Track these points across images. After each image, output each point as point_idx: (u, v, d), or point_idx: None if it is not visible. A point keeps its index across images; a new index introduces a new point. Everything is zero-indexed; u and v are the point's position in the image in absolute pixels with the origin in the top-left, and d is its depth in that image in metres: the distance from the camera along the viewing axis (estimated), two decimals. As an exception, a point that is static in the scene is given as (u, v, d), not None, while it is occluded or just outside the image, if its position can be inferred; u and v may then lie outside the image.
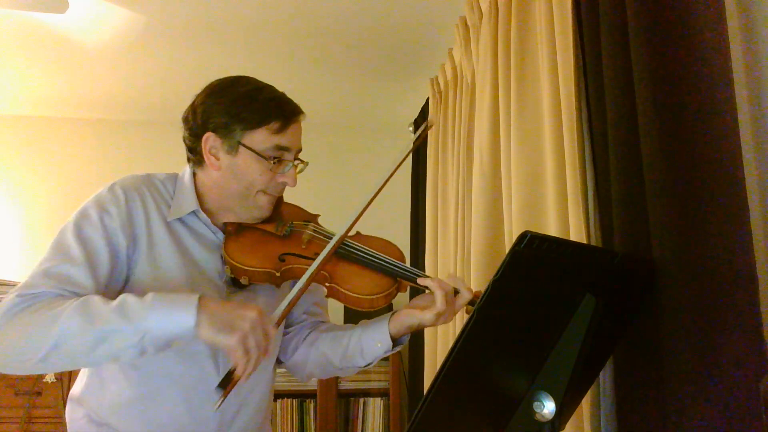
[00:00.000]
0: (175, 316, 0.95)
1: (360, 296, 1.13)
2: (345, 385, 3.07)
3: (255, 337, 0.97)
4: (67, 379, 2.74)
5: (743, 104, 1.02)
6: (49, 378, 2.72)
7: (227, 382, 0.97)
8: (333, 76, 3.03)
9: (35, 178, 3.49)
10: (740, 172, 0.92)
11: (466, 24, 2.23)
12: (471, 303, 1.14)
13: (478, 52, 2.06)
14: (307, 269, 1.12)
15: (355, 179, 3.58)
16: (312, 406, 3.03)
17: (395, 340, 1.18)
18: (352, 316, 2.83)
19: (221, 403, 0.97)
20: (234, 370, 0.97)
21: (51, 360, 0.95)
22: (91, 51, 2.73)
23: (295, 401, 3.02)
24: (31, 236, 3.38)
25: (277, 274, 1.15)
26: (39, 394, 2.73)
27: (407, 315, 1.16)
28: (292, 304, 1.09)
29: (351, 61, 2.86)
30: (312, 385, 2.99)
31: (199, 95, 1.20)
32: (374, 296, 1.13)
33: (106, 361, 0.98)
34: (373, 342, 1.19)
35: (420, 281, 1.14)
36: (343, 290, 1.13)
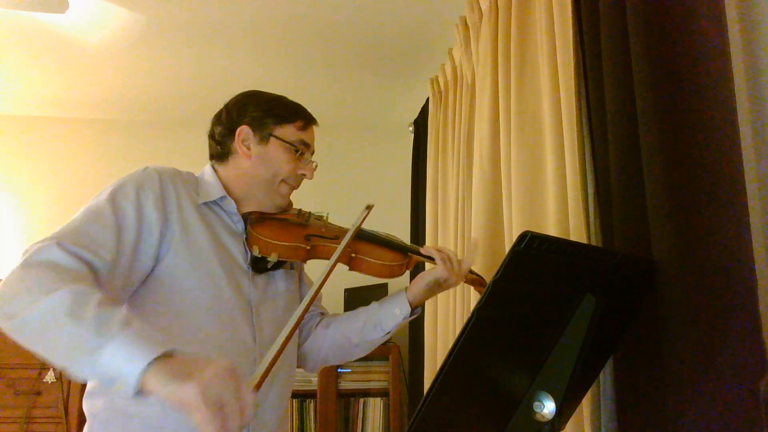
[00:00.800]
0: (133, 353, 0.81)
1: (382, 263, 1.30)
2: (345, 385, 3.07)
3: (220, 393, 0.77)
4: (67, 379, 2.74)
5: (743, 104, 1.02)
6: (49, 378, 2.72)
7: None
8: (333, 76, 3.03)
9: (35, 178, 3.49)
10: (740, 172, 0.92)
11: (466, 24, 2.23)
12: (473, 273, 1.34)
13: (478, 52, 2.06)
14: (330, 248, 1.27)
15: (355, 179, 3.59)
16: (312, 406, 3.03)
17: (413, 309, 1.32)
18: (352, 307, 2.84)
19: None
20: None
21: (18, 319, 0.89)
22: (91, 51, 2.73)
23: (295, 401, 3.02)
24: (31, 236, 3.38)
25: (307, 248, 1.27)
26: (39, 394, 2.73)
27: (421, 277, 1.32)
28: (284, 343, 0.96)
29: (351, 61, 2.86)
30: (312, 385, 2.99)
31: (231, 100, 1.35)
32: (393, 264, 1.31)
33: (60, 363, 0.87)
34: (391, 311, 1.32)
35: (422, 250, 1.32)
36: (367, 259, 1.30)
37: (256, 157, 1.29)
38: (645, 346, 1.07)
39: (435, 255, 1.29)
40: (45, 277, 0.94)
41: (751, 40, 1.04)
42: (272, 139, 1.29)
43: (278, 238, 1.25)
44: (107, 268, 1.05)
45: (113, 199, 1.12)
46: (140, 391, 0.80)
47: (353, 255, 1.30)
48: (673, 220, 0.98)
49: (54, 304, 0.89)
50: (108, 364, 0.82)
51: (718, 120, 0.94)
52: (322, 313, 1.46)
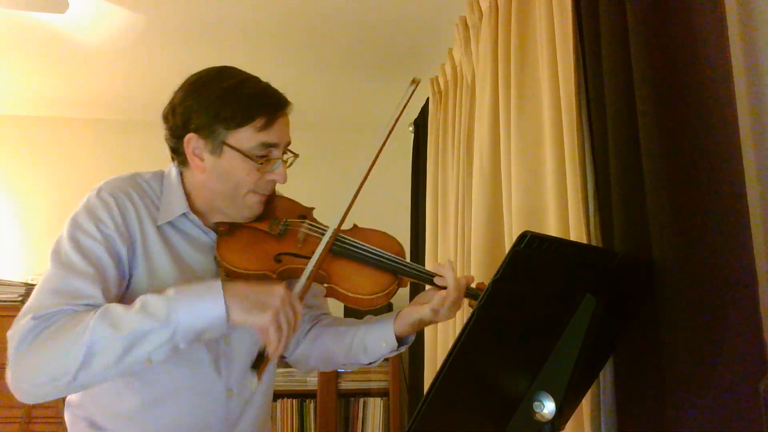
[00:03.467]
0: (203, 308, 0.95)
1: (359, 296, 1.10)
2: (345, 385, 3.07)
3: (286, 313, 0.97)
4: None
5: (743, 103, 1.02)
6: (49, 378, 2.73)
7: (260, 362, 0.99)
8: (333, 76, 3.03)
9: (34, 178, 3.49)
10: (740, 172, 0.92)
11: (466, 24, 2.22)
12: (473, 297, 1.12)
13: (478, 52, 2.06)
14: (304, 269, 1.08)
15: (355, 179, 3.58)
16: (312, 406, 3.03)
17: (400, 340, 1.17)
18: (354, 312, 2.83)
19: (258, 383, 1.07)
20: (264, 349, 0.99)
21: (81, 377, 0.91)
22: (91, 51, 2.73)
23: (295, 401, 3.02)
24: (31, 236, 3.38)
25: (274, 276, 1.10)
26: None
27: (409, 312, 1.16)
28: (311, 278, 1.08)
29: (350, 61, 2.86)
30: (312, 385, 2.99)
31: (177, 91, 1.13)
32: (374, 296, 1.10)
33: (139, 366, 0.95)
34: (377, 341, 1.17)
35: (436, 281, 1.11)
36: (341, 290, 1.10)
37: (210, 170, 1.10)
38: (645, 346, 1.07)
39: (450, 289, 1.09)
40: (60, 335, 0.93)
41: (751, 40, 1.04)
42: (226, 148, 1.07)
43: (242, 265, 1.08)
44: None
45: (76, 244, 1.03)
46: (231, 326, 0.97)
47: (326, 285, 1.11)
48: (673, 220, 0.98)
49: (97, 337, 0.92)
50: (190, 329, 0.95)
51: (718, 120, 0.94)
52: (323, 314, 1.35)
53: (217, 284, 0.97)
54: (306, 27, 2.53)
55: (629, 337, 1.10)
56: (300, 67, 2.90)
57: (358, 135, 3.74)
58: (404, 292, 3.03)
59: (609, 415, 1.23)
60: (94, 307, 0.97)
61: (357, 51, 2.75)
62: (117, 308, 0.95)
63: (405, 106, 1.18)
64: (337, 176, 3.51)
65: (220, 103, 1.08)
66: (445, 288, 1.10)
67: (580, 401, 1.17)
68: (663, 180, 1.00)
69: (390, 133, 1.17)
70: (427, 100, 3.04)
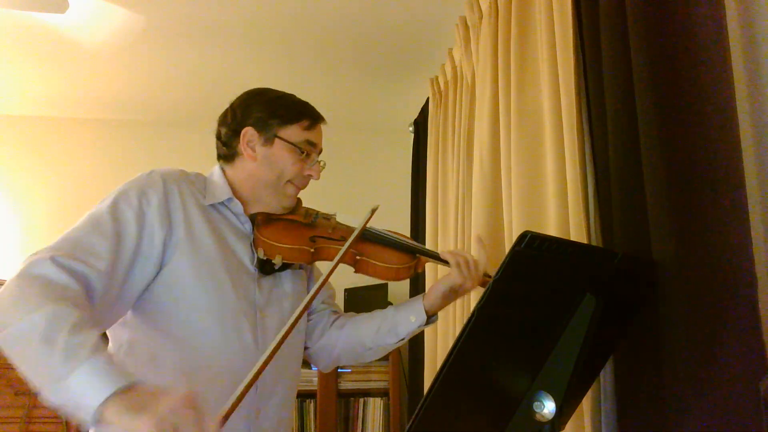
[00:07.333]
0: (95, 384, 0.83)
1: (388, 266, 1.29)
2: (345, 385, 3.07)
3: (176, 423, 0.78)
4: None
5: (743, 104, 1.02)
6: (49, 378, 2.73)
7: None
8: (333, 76, 3.03)
9: (35, 178, 3.49)
10: (740, 172, 0.92)
11: (466, 24, 2.23)
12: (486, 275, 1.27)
13: (478, 52, 2.06)
14: (336, 249, 1.26)
15: (355, 179, 3.58)
16: (312, 406, 3.03)
17: (428, 317, 1.30)
18: (353, 307, 2.84)
19: None
20: None
21: (2, 336, 0.92)
22: (91, 51, 2.73)
23: (295, 401, 3.02)
24: (31, 236, 3.38)
25: (311, 251, 1.27)
26: (39, 394, 2.73)
27: (437, 285, 1.29)
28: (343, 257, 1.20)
29: (351, 61, 2.86)
30: (312, 385, 2.99)
31: (236, 100, 1.35)
32: (399, 267, 1.29)
33: (34, 385, 0.90)
34: (407, 318, 1.30)
35: (441, 255, 1.28)
36: (372, 261, 1.29)
37: (261, 159, 1.28)
38: (645, 346, 1.07)
39: (450, 259, 1.26)
40: (32, 293, 0.95)
41: (751, 40, 1.04)
42: (277, 140, 1.28)
43: (282, 241, 1.25)
44: (102, 278, 1.05)
45: (115, 206, 1.13)
46: (100, 420, 0.82)
47: (358, 257, 1.29)
48: (673, 220, 0.98)
49: (31, 326, 0.90)
50: (72, 392, 0.85)
51: (718, 119, 0.94)
52: (336, 312, 1.44)
53: (131, 377, 0.85)
54: (306, 27, 2.53)
55: (629, 337, 1.10)
56: (299, 66, 2.90)
57: (356, 134, 3.74)
58: (404, 291, 3.03)
59: (609, 415, 1.23)
60: (95, 272, 1.03)
61: (357, 51, 2.75)
62: (67, 324, 0.90)
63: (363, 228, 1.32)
64: (336, 175, 3.50)
65: (275, 103, 1.32)
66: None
67: (580, 401, 1.17)
68: (663, 180, 1.00)
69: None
70: (427, 100, 3.04)
